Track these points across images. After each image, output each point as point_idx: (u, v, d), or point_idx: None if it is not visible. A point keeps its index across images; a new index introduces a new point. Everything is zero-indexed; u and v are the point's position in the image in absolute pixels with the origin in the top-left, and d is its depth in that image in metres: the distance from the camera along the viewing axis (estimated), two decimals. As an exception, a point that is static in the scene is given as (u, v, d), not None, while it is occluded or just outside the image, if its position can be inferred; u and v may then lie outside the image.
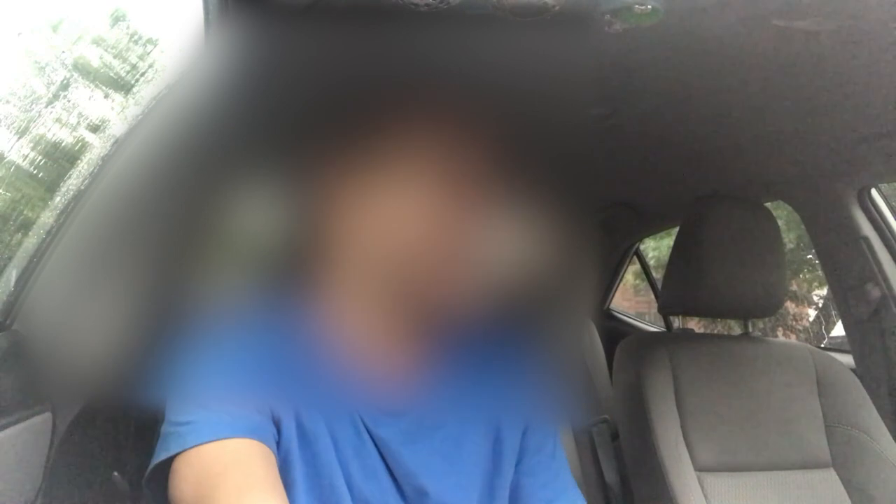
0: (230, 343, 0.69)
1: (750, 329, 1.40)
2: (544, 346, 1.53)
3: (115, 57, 1.18)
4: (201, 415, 0.63)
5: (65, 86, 1.11)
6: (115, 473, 1.00)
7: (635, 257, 2.67)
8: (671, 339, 1.39)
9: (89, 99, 1.16)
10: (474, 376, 0.76)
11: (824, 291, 5.87)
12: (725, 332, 1.64)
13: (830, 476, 1.22)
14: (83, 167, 1.07)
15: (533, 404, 0.79)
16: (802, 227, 1.57)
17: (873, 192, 1.42)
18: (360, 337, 0.72)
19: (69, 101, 1.13)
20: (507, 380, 0.78)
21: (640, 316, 3.35)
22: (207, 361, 0.67)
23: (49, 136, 1.14)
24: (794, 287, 5.93)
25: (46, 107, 1.10)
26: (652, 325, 2.86)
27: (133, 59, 1.20)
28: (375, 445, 0.69)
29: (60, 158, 1.16)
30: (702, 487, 1.16)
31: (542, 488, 0.76)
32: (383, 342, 0.73)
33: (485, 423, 0.75)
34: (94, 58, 1.16)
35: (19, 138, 1.09)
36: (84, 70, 1.14)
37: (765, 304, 1.32)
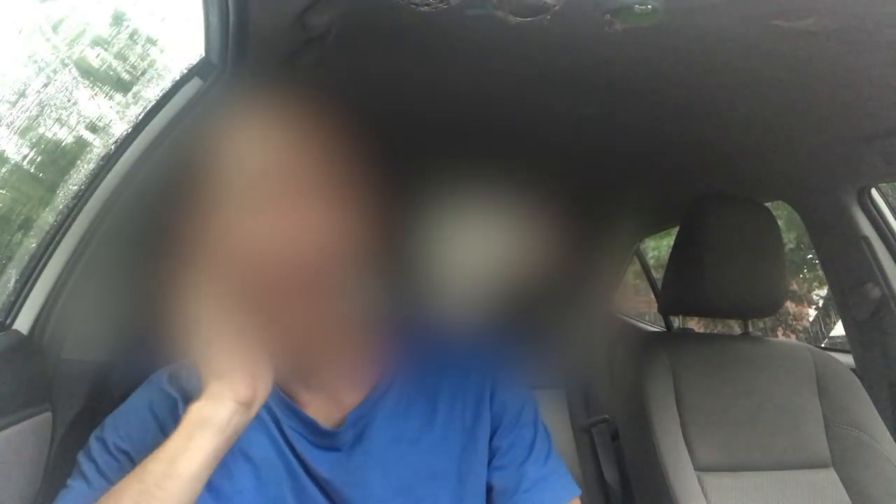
0: (139, 398, 0.69)
1: (750, 329, 1.40)
2: (543, 346, 1.53)
3: (115, 57, 1.18)
4: (78, 484, 0.64)
5: (65, 86, 1.11)
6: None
7: (635, 257, 2.67)
8: (671, 339, 1.39)
9: (89, 99, 1.16)
10: (429, 392, 0.71)
11: (824, 291, 5.87)
12: (725, 332, 1.64)
13: (830, 476, 1.22)
14: (83, 167, 1.07)
15: (502, 405, 0.73)
16: (802, 227, 1.57)
17: (873, 192, 1.42)
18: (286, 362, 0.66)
19: (69, 101, 1.13)
20: (471, 389, 0.72)
21: (640, 316, 3.35)
22: (118, 419, 0.67)
23: (49, 136, 1.14)
24: (794, 287, 5.92)
25: (46, 107, 1.10)
26: (652, 325, 2.86)
27: (133, 59, 1.20)
28: (318, 487, 0.66)
29: (60, 158, 1.16)
30: (702, 487, 1.16)
31: (520, 480, 0.70)
32: (311, 368, 0.68)
33: (445, 441, 0.70)
34: (94, 58, 1.16)
35: (19, 138, 1.09)
36: (84, 70, 1.14)
37: (765, 304, 1.32)
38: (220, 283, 0.58)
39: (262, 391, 0.61)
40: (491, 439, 0.72)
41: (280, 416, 0.68)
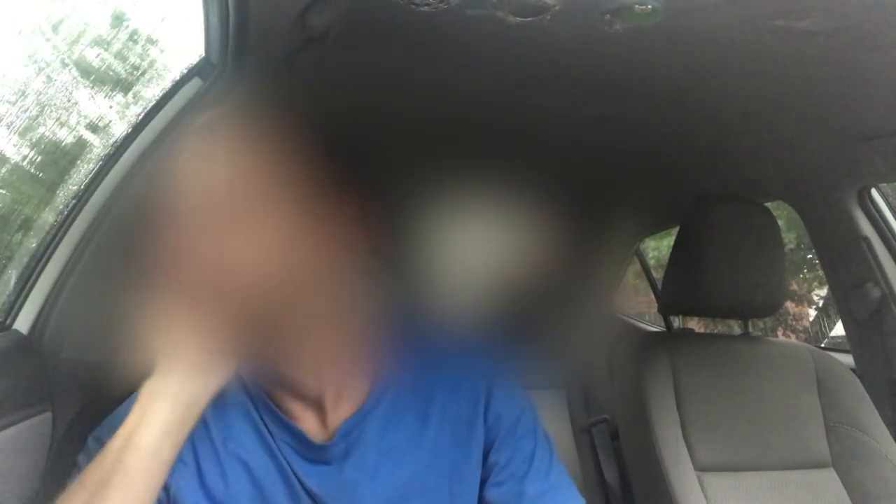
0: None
1: (750, 329, 1.40)
2: (543, 346, 1.53)
3: (115, 57, 1.18)
4: None
5: (65, 86, 1.11)
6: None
7: (635, 257, 2.67)
8: (671, 339, 1.39)
9: (89, 99, 1.16)
10: (421, 405, 0.69)
11: (824, 291, 5.87)
12: (725, 332, 1.64)
13: (830, 476, 1.22)
14: (83, 167, 1.07)
15: (497, 418, 0.70)
16: (802, 227, 1.57)
17: (873, 192, 1.42)
18: (274, 376, 0.66)
19: (69, 101, 1.13)
20: (464, 402, 0.70)
21: (640, 316, 3.35)
22: (116, 420, 0.65)
23: (49, 136, 1.14)
24: (794, 287, 5.93)
25: (46, 107, 1.10)
26: (652, 325, 2.86)
27: (133, 59, 1.20)
28: (311, 498, 0.66)
29: (60, 158, 1.16)
30: (702, 487, 1.16)
31: (520, 497, 0.68)
32: (297, 379, 0.67)
33: (437, 454, 0.68)
34: (94, 58, 1.16)
35: (19, 138, 1.09)
36: (84, 70, 1.14)
37: (765, 304, 1.32)
38: (196, 285, 0.58)
39: (223, 361, 0.60)
40: (488, 454, 0.70)
41: (272, 427, 0.67)
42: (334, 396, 0.68)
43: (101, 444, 0.65)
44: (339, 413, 0.67)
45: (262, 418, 0.67)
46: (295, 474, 0.66)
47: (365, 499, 0.66)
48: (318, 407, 0.68)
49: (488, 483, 0.69)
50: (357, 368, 0.69)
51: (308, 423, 0.67)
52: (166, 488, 0.64)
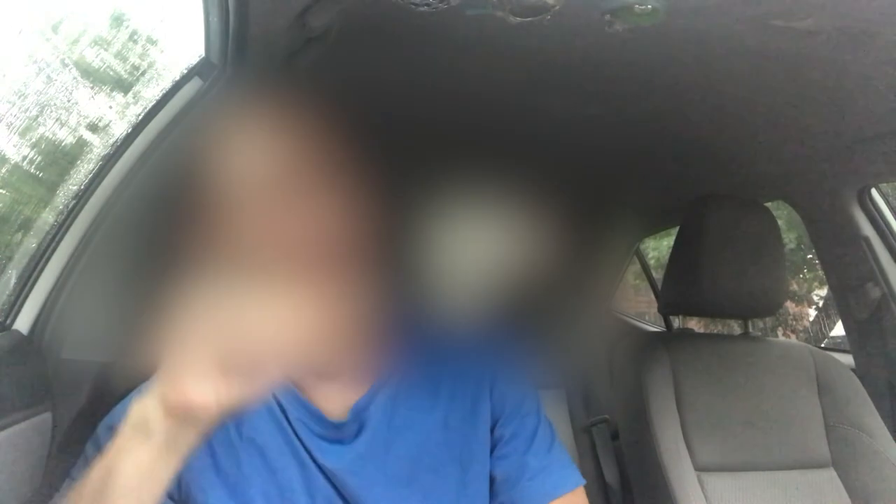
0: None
1: (750, 329, 1.40)
2: (543, 346, 1.53)
3: (115, 57, 1.18)
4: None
5: (65, 86, 1.11)
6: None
7: (635, 257, 2.67)
8: (671, 339, 1.39)
9: (89, 99, 1.16)
10: (430, 384, 0.72)
11: (824, 291, 5.87)
12: (725, 332, 1.64)
13: (830, 476, 1.22)
14: (83, 167, 1.07)
15: (502, 395, 0.74)
16: (802, 227, 1.57)
17: (873, 192, 1.42)
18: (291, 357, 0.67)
19: (69, 101, 1.13)
20: (471, 380, 0.73)
21: (640, 316, 3.35)
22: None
23: (49, 136, 1.14)
24: (794, 287, 5.93)
25: (46, 107, 1.10)
26: (652, 325, 2.86)
27: (133, 59, 1.20)
28: (325, 476, 0.67)
29: (60, 158, 1.16)
30: (702, 487, 1.16)
31: (522, 469, 0.71)
32: (317, 357, 0.67)
33: (447, 430, 0.71)
34: (94, 58, 1.16)
35: (19, 138, 1.09)
36: (84, 70, 1.14)
37: (765, 304, 1.32)
38: (220, 280, 0.58)
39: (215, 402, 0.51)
40: (493, 429, 0.73)
41: (287, 406, 0.69)
42: (351, 377, 0.70)
43: (113, 432, 0.62)
44: (354, 393, 0.69)
45: (276, 398, 0.69)
46: (309, 453, 0.67)
47: (379, 475, 0.67)
48: (335, 387, 0.69)
49: (493, 457, 0.72)
50: (372, 351, 0.71)
51: (324, 401, 0.69)
52: (178, 476, 0.64)
